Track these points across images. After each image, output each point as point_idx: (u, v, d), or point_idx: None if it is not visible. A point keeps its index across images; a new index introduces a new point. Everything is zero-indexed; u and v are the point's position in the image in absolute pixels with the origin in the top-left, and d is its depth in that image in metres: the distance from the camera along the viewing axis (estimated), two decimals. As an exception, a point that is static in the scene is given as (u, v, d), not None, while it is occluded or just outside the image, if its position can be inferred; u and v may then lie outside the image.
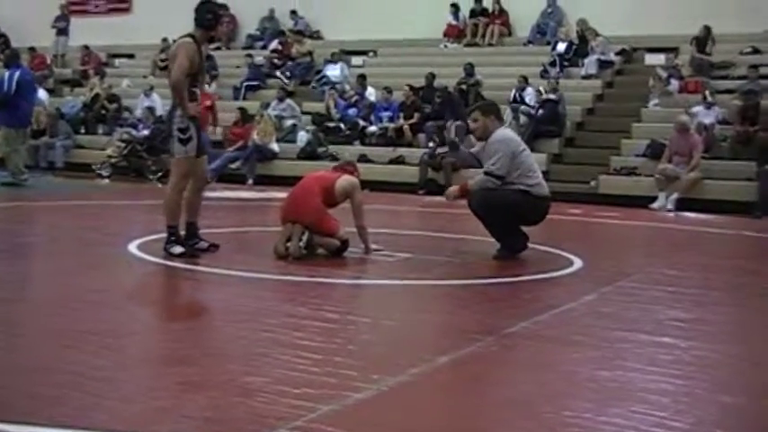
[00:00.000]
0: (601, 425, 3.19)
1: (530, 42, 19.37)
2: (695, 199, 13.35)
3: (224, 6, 7.10)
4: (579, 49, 17.90)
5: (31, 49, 22.17)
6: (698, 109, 14.80)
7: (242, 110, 17.30)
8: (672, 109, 15.14)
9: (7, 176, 13.45)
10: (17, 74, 13.38)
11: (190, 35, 6.95)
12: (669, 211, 13.21)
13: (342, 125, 17.25)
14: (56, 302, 5.21)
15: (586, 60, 17.59)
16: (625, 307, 5.51)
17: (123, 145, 17.01)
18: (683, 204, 13.25)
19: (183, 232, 6.92)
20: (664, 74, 16.15)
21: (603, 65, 17.54)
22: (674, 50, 17.15)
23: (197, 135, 6.82)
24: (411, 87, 16.95)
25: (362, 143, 16.83)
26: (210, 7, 7.03)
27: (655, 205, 13.42)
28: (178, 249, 6.69)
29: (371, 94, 17.85)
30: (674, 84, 16.10)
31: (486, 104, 7.92)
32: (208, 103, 15.68)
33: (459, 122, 15.06)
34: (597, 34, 17.70)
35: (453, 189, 7.62)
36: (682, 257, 8.52)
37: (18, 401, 3.18)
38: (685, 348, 4.42)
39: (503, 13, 19.81)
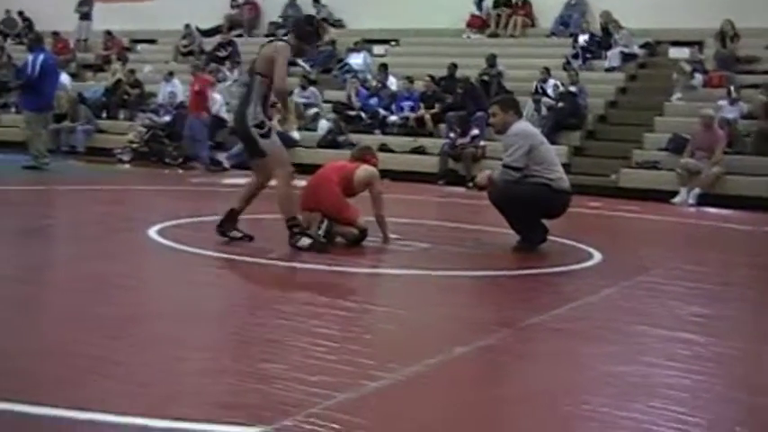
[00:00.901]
0: (619, 419, 3.17)
1: (553, 34, 19.28)
2: (717, 194, 13.26)
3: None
4: (602, 41, 17.80)
5: (55, 34, 22.24)
6: (722, 104, 14.69)
7: None
8: (695, 103, 15.02)
9: (29, 160, 13.53)
10: (41, 58, 13.44)
11: (285, 41, 6.82)
12: (690, 205, 13.13)
13: (363, 114, 17.24)
14: (76, 286, 5.24)
15: (609, 53, 17.49)
16: (644, 301, 5.48)
17: (144, 130, 17.07)
18: (704, 199, 13.17)
19: (221, 217, 6.86)
20: (688, 68, 16.02)
21: (627, 58, 17.43)
22: (698, 44, 17.02)
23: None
24: (431, 77, 16.92)
25: (383, 132, 16.80)
26: (314, 21, 7.08)
27: (676, 200, 13.34)
28: (306, 241, 6.54)
29: (393, 83, 17.83)
30: (699, 78, 15.97)
31: (504, 99, 7.88)
32: (196, 87, 15.77)
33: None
34: (620, 27, 17.58)
35: (483, 176, 7.59)
36: (702, 253, 8.47)
37: (39, 384, 3.20)
38: (705, 344, 4.38)
39: (526, 4, 19.72)
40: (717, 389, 3.67)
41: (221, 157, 15.85)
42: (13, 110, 20.16)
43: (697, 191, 13.32)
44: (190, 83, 16.57)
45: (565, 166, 8.58)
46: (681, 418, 3.18)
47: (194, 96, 15.81)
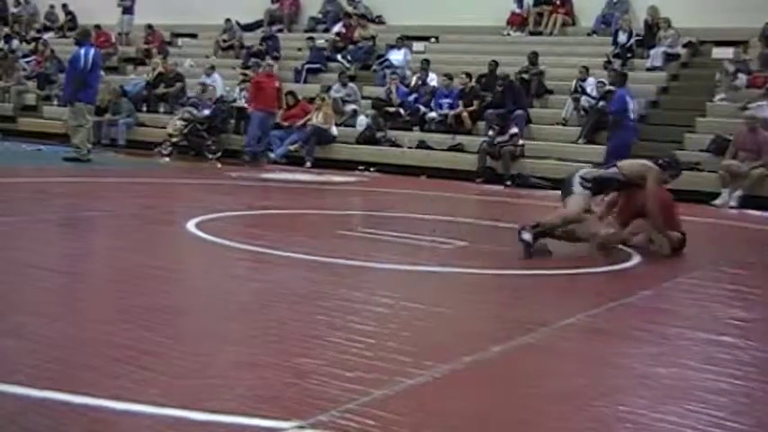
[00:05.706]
0: (655, 422, 3.13)
1: (593, 33, 19.13)
2: (759, 197, 13.08)
3: None
4: (645, 40, 17.61)
5: (97, 27, 22.45)
6: (763, 104, 14.46)
7: (291, 93, 17.51)
8: (739, 104, 14.83)
9: (70, 152, 13.67)
10: (92, 52, 13.66)
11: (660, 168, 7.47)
12: (732, 208, 12.96)
13: (401, 110, 17.22)
14: (113, 278, 5.29)
15: (652, 52, 17.30)
16: (684, 303, 5.42)
17: (184, 124, 17.18)
18: (746, 202, 12.99)
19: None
20: (731, 68, 15.81)
21: (669, 57, 17.23)
22: (742, 44, 16.78)
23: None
24: (468, 75, 16.84)
25: (422, 129, 16.77)
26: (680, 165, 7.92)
27: (717, 202, 13.18)
28: (527, 236, 6.72)
29: (433, 79, 17.78)
30: (742, 78, 15.74)
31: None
32: (276, 84, 16.44)
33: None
34: (670, 25, 17.33)
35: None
36: (744, 255, 8.35)
37: (76, 373, 3.23)
38: (745, 348, 4.32)
39: (567, 2, 19.58)
40: (757, 394, 3.61)
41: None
42: (55, 102, 20.42)
43: (739, 193, 13.15)
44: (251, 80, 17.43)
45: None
46: (720, 423, 3.14)
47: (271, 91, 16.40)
